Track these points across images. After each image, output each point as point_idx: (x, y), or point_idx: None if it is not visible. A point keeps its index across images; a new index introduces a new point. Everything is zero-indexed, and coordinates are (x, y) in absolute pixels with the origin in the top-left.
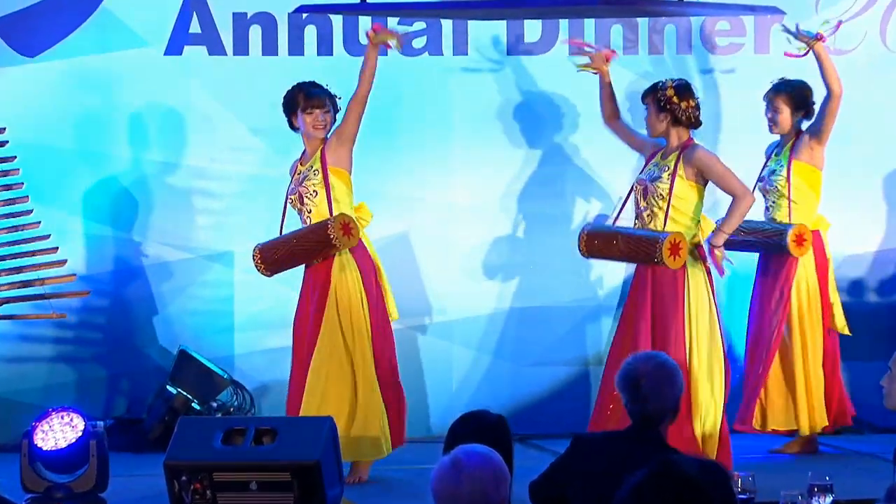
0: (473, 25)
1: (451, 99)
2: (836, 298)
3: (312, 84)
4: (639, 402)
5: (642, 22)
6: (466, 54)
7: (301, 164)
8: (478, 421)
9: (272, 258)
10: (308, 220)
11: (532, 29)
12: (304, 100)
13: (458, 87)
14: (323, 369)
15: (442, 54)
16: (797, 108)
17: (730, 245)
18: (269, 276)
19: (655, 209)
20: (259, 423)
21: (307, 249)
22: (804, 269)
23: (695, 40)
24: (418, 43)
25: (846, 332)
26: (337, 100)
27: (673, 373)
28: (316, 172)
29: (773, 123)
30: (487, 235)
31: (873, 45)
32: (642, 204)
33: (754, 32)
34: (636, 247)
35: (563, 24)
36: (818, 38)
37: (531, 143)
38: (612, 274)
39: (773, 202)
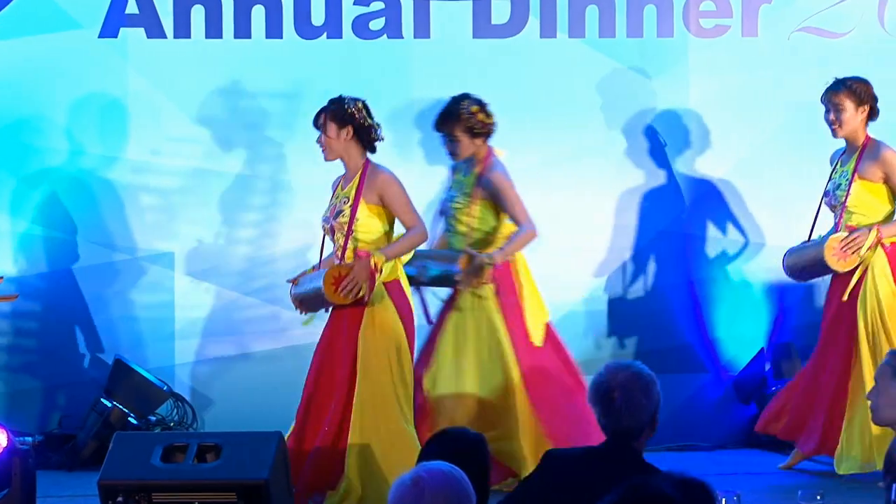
0: (436, 6)
1: (412, 84)
2: None
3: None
4: (612, 416)
5: (620, 3)
6: (428, 37)
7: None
8: (455, 439)
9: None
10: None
11: (500, 10)
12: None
13: (420, 73)
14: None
15: (402, 37)
16: (860, 102)
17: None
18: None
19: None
20: (202, 438)
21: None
22: (873, 282)
23: (677, 22)
24: (376, 25)
25: None
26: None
27: (649, 384)
28: (345, 201)
29: (836, 125)
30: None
31: (870, 27)
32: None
33: (741, 14)
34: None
35: (534, 4)
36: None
37: (503, 133)
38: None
39: (840, 219)
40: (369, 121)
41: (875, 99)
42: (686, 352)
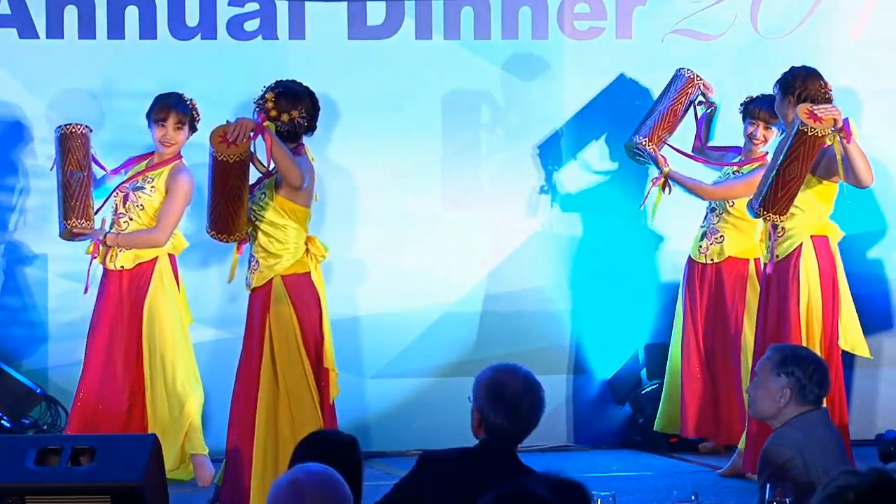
0: (311, 7)
1: None
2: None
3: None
4: (519, 420)
5: (495, 5)
6: (304, 38)
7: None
8: (327, 441)
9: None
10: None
11: (375, 11)
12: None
13: (295, 74)
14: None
15: (277, 38)
16: (788, 92)
17: None
18: (229, 239)
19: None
20: (76, 441)
21: (228, 190)
22: (806, 280)
23: (552, 24)
24: (251, 26)
25: (860, 352)
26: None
27: (541, 388)
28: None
29: (760, 141)
30: (328, 237)
31: (743, 29)
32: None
33: (616, 16)
34: None
35: (409, 6)
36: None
37: (379, 135)
38: (466, 276)
39: None
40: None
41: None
42: (561, 353)
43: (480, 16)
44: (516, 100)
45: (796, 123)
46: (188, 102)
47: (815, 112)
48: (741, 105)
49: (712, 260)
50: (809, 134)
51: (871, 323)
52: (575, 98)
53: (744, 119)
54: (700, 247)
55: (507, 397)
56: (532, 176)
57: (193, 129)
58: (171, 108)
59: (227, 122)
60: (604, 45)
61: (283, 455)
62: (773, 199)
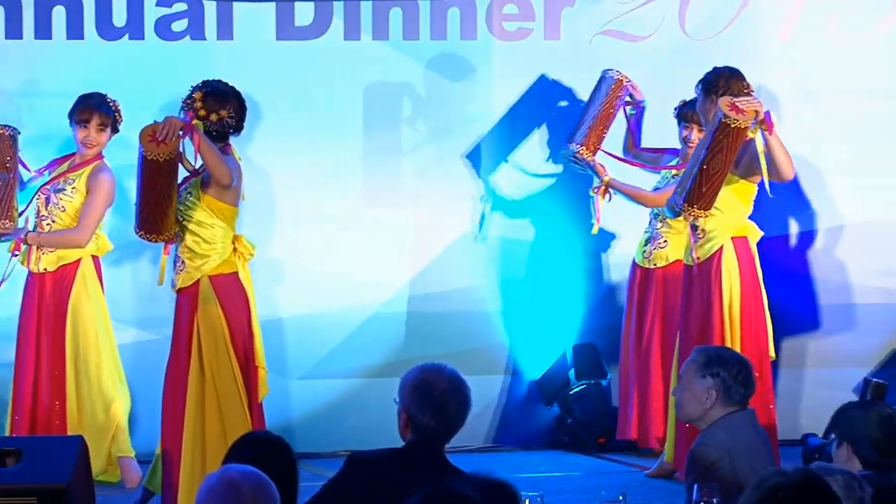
0: (239, 7)
1: None
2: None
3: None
4: (445, 420)
5: (423, 5)
6: (232, 39)
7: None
8: (262, 442)
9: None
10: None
11: (304, 12)
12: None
13: (223, 74)
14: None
15: (205, 39)
16: (710, 91)
17: None
18: (157, 239)
19: None
20: (1, 443)
21: (157, 189)
22: (728, 279)
23: (480, 25)
24: (179, 26)
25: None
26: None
27: (468, 387)
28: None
29: (695, 144)
30: (252, 237)
31: (671, 30)
32: None
33: (544, 17)
34: None
35: (338, 6)
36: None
37: (307, 135)
38: (392, 275)
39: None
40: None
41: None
42: (489, 353)
43: (409, 16)
44: (444, 100)
45: (718, 116)
46: (111, 104)
47: (737, 104)
48: (675, 109)
49: (656, 265)
50: (732, 126)
51: (798, 324)
52: (504, 99)
53: (678, 123)
54: (644, 252)
55: (433, 397)
56: (460, 177)
57: (116, 130)
58: (95, 110)
59: (156, 121)
60: (532, 45)
61: (211, 455)
62: (698, 194)
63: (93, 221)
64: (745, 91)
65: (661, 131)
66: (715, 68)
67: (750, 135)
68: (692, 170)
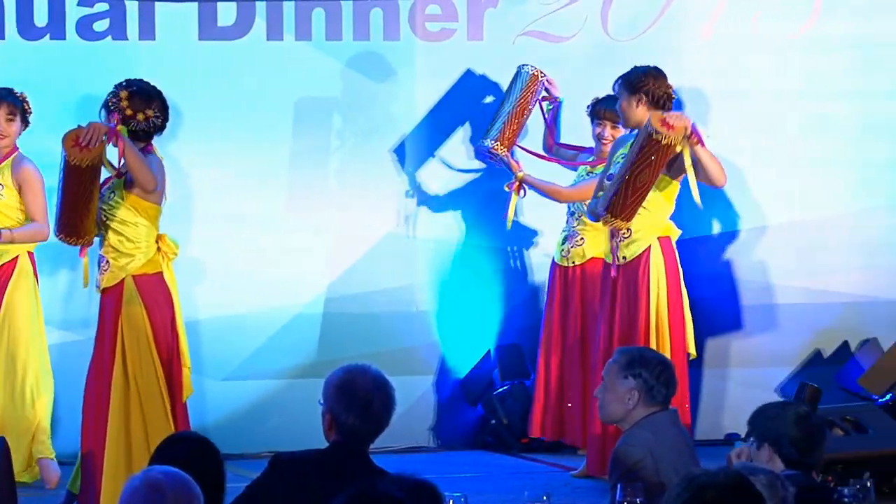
0: (161, 7)
1: None
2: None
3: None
4: (371, 420)
5: (346, 6)
6: (153, 39)
7: None
8: (189, 443)
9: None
10: None
11: (226, 12)
12: None
13: (145, 74)
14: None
15: (127, 39)
16: (634, 92)
17: None
18: (77, 242)
19: None
20: None
21: (79, 193)
22: (657, 281)
23: (403, 26)
24: (100, 26)
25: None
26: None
27: (393, 388)
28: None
29: (609, 141)
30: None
31: (594, 32)
32: None
33: (467, 18)
34: None
35: (260, 6)
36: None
37: (229, 136)
38: (312, 276)
39: None
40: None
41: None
42: (414, 354)
43: (332, 17)
44: (368, 101)
45: (648, 131)
46: (18, 95)
47: (668, 120)
48: (588, 106)
49: (574, 263)
50: (662, 142)
51: (721, 324)
52: (427, 99)
53: (592, 120)
54: (562, 250)
55: (357, 397)
56: (384, 177)
57: (26, 122)
58: (1, 100)
59: (80, 126)
60: (455, 46)
61: (135, 456)
62: (622, 206)
63: (45, 212)
64: (667, 91)
65: (585, 131)
66: (636, 67)
67: (678, 149)
68: (618, 182)
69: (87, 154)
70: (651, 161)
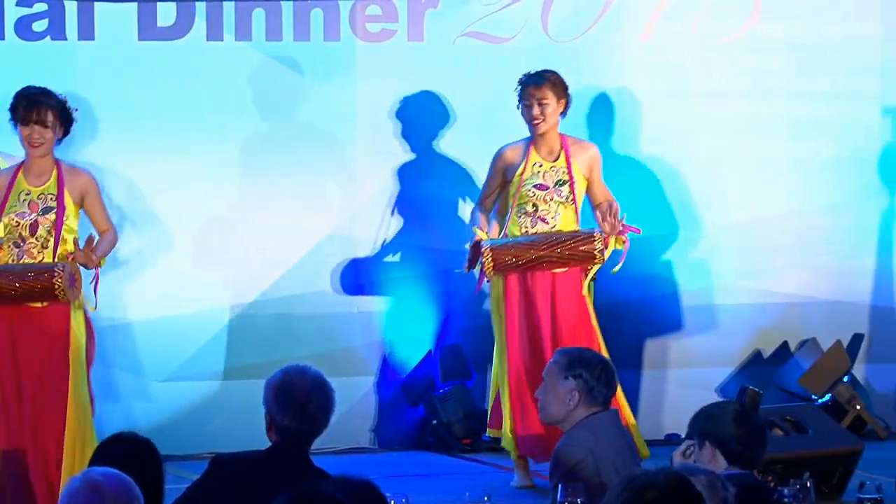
0: (101, 7)
1: (77, 86)
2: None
3: (40, 91)
4: (307, 421)
5: (286, 7)
6: (93, 39)
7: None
8: (128, 443)
9: None
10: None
11: (166, 12)
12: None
13: (85, 75)
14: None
15: (66, 39)
16: (560, 97)
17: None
18: None
19: None
20: None
21: (24, 293)
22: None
23: (344, 26)
24: (39, 26)
25: None
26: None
27: (331, 387)
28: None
29: (540, 120)
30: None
31: (534, 33)
32: None
33: (408, 19)
34: None
35: (200, 7)
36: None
37: (168, 136)
38: (249, 280)
39: (552, 209)
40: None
41: (569, 94)
42: (356, 354)
43: (272, 17)
44: (308, 101)
45: (594, 253)
46: (60, 97)
47: (608, 240)
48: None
49: None
50: (596, 261)
51: (661, 325)
52: (368, 99)
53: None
54: None
55: (294, 398)
56: (326, 177)
57: (66, 128)
58: (33, 104)
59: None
60: (396, 47)
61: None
62: (507, 265)
63: (108, 216)
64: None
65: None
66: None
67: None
68: (525, 247)
69: (72, 296)
70: (569, 262)
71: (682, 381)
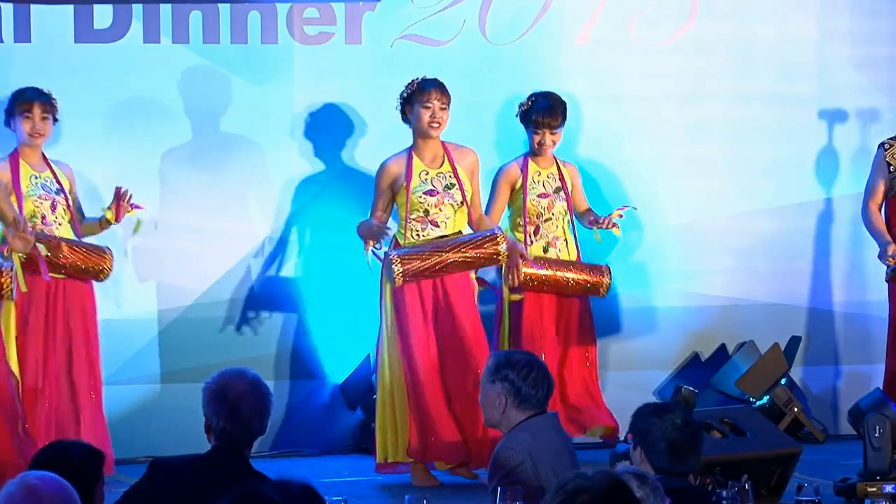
0: (37, 10)
1: (12, 89)
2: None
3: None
4: (240, 423)
5: (224, 9)
6: (29, 41)
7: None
8: (63, 449)
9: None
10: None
11: (102, 14)
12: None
13: (21, 77)
14: None
15: (2, 41)
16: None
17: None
18: None
19: None
20: None
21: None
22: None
23: (281, 29)
24: None
25: None
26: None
27: (267, 390)
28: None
29: (549, 146)
30: None
31: (472, 35)
32: None
33: (345, 22)
34: None
35: (137, 9)
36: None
37: (104, 139)
38: (188, 284)
39: (444, 213)
40: None
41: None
42: (292, 357)
43: (209, 20)
44: (245, 103)
45: (497, 251)
46: (48, 93)
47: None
48: (520, 109)
49: None
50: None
51: (599, 327)
52: (304, 102)
53: (528, 128)
54: None
55: (228, 401)
56: (262, 179)
57: (55, 120)
58: (35, 100)
59: None
60: (333, 50)
61: None
62: (418, 270)
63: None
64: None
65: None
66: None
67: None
68: (434, 252)
69: None
70: (473, 265)
71: (621, 384)
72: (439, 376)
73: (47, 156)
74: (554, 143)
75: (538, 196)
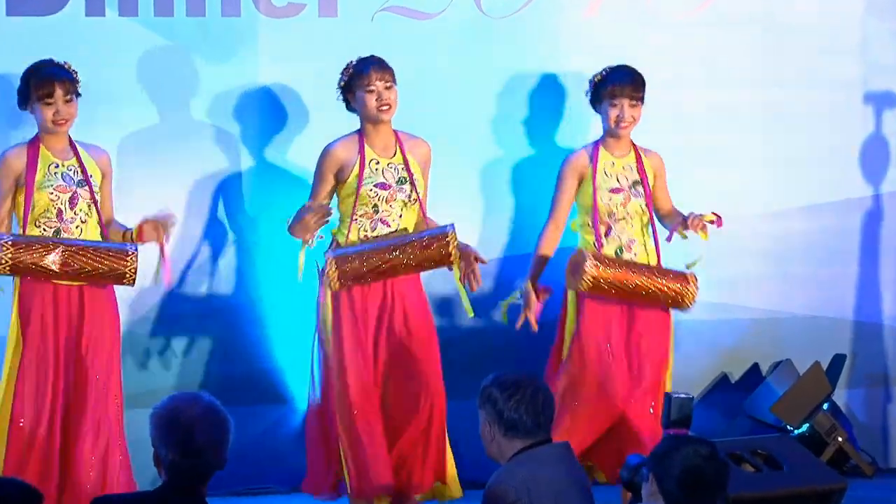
0: None
1: None
2: None
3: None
4: (191, 454)
5: None
6: None
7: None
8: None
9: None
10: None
11: None
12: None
13: None
14: None
15: None
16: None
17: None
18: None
19: None
20: None
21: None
22: None
23: (245, 1)
24: None
25: None
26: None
27: (226, 417)
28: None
29: (630, 122)
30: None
31: (465, 7)
32: None
33: None
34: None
35: None
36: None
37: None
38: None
39: (394, 210)
40: None
41: None
42: (259, 380)
43: None
44: (203, 84)
45: (448, 251)
46: (69, 69)
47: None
48: (590, 85)
49: None
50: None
51: None
52: (270, 83)
53: (602, 102)
54: None
55: (179, 430)
56: (220, 169)
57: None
58: (55, 79)
59: None
60: (305, 23)
61: None
62: (352, 274)
63: None
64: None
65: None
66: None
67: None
68: (375, 252)
69: None
70: (420, 267)
71: None
72: (379, 402)
73: (77, 139)
74: (634, 119)
75: (610, 191)
